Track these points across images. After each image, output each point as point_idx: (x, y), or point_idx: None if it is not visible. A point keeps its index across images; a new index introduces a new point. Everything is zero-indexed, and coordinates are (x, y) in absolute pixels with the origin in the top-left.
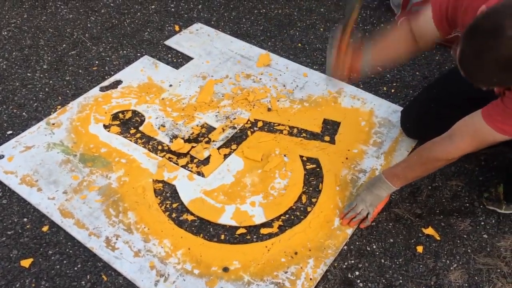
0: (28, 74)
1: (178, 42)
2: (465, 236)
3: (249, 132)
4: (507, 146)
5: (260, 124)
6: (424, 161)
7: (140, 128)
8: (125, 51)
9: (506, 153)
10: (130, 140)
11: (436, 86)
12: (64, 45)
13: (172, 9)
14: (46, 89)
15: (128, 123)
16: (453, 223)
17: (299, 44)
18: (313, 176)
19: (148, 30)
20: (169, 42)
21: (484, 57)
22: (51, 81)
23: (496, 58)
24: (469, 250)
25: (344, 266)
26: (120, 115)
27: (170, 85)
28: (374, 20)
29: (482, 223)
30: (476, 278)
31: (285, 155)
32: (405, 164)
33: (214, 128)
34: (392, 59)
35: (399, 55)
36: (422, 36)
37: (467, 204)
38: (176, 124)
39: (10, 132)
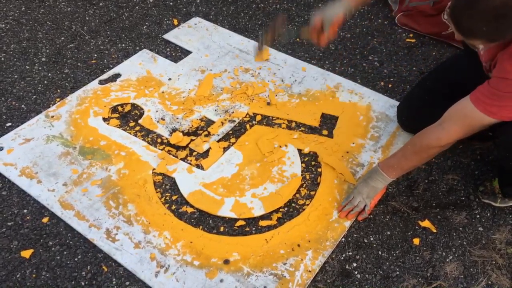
0: (27, 66)
1: (177, 36)
2: (461, 228)
3: (248, 126)
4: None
5: (258, 118)
6: (417, 150)
7: (140, 121)
8: (123, 45)
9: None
10: (130, 133)
11: (430, 79)
12: (62, 38)
13: (171, 3)
14: (45, 82)
15: (127, 116)
16: (449, 216)
17: (297, 39)
18: (311, 169)
19: (146, 23)
20: (168, 36)
21: (475, 5)
22: (49, 74)
23: (487, 6)
24: (464, 243)
25: (342, 258)
26: (119, 108)
27: (169, 79)
28: (371, 15)
29: (478, 216)
30: (472, 269)
31: (283, 147)
32: (400, 154)
33: (213, 122)
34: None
35: None
36: None
37: (463, 198)
38: (176, 117)
39: (9, 124)
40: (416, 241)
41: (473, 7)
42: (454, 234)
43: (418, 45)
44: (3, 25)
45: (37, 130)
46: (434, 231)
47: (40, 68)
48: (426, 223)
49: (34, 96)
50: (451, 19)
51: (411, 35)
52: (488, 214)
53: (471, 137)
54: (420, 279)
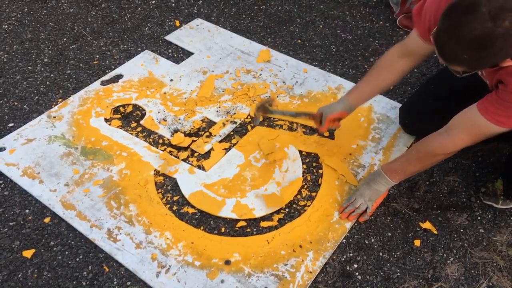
0: (29, 67)
1: (179, 37)
2: (462, 230)
3: (249, 127)
4: (505, 141)
5: (260, 119)
6: (422, 156)
7: (141, 122)
8: (125, 46)
9: (502, 149)
10: (131, 134)
11: (433, 82)
12: (64, 39)
13: (173, 4)
14: (47, 83)
15: (129, 117)
16: (450, 217)
17: (299, 41)
18: (313, 170)
19: (148, 25)
20: (170, 37)
21: (457, 32)
22: (52, 75)
23: (469, 34)
24: (465, 244)
25: (343, 259)
26: (121, 109)
27: (171, 80)
28: (373, 17)
29: (479, 217)
30: (473, 271)
31: (284, 149)
32: (404, 159)
33: (215, 123)
34: (381, 88)
35: (392, 81)
36: (416, 53)
37: (464, 199)
38: (177, 118)
39: (11, 124)
40: (417, 242)
41: (456, 34)
42: (455, 235)
43: None
44: (6, 26)
45: (39, 130)
46: (435, 232)
47: (42, 69)
48: (427, 225)
49: (36, 97)
50: (435, 43)
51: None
52: (489, 216)
53: None
54: (421, 280)
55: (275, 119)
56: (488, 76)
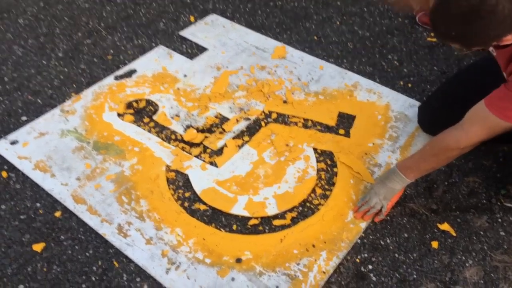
0: (44, 61)
1: (193, 32)
2: (481, 232)
3: (263, 124)
4: None
5: (274, 115)
6: (436, 151)
7: (154, 118)
8: (140, 41)
9: None
10: (144, 129)
11: (454, 82)
12: (79, 34)
13: (188, 0)
14: (61, 77)
15: (142, 112)
16: (470, 219)
17: (315, 37)
18: (327, 169)
19: (163, 20)
20: (184, 33)
21: (445, 9)
22: (66, 69)
23: (455, 9)
24: (485, 247)
25: (358, 260)
26: (134, 104)
27: (185, 76)
28: (391, 14)
29: (499, 220)
30: (492, 275)
31: (298, 146)
32: (418, 155)
33: (228, 119)
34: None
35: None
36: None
37: (484, 201)
38: (191, 114)
39: (24, 118)
40: (435, 244)
41: (444, 11)
42: (475, 238)
43: (439, 44)
44: (22, 21)
45: (52, 124)
46: (454, 234)
47: (56, 63)
48: (445, 226)
49: (50, 91)
50: (430, 22)
51: (432, 34)
52: (511, 218)
53: (496, 139)
54: (438, 283)
55: (289, 117)
56: (500, 59)
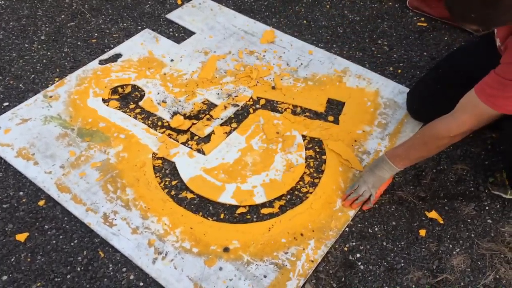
0: (26, 45)
1: (180, 16)
2: (469, 220)
3: (251, 110)
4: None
5: (262, 102)
6: (426, 139)
7: (140, 103)
8: (125, 24)
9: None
10: (129, 115)
11: (442, 66)
12: (62, 16)
13: None
14: (44, 61)
15: (128, 98)
16: (457, 207)
17: (305, 21)
18: (316, 156)
19: (149, 2)
20: (171, 16)
21: None
22: (49, 53)
23: None
24: (472, 235)
25: (346, 248)
26: (120, 90)
27: (171, 60)
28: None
29: (487, 208)
30: (479, 263)
31: (287, 133)
32: (408, 143)
33: (216, 105)
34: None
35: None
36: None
37: (472, 189)
38: (178, 100)
39: (6, 103)
40: (422, 232)
41: None
42: (462, 226)
43: (429, 29)
44: (2, 2)
45: (35, 110)
46: (441, 222)
47: (39, 46)
48: (433, 214)
49: (33, 75)
50: (444, 4)
51: (422, 19)
52: (498, 206)
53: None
54: (425, 271)
55: (278, 103)
56: (500, 32)
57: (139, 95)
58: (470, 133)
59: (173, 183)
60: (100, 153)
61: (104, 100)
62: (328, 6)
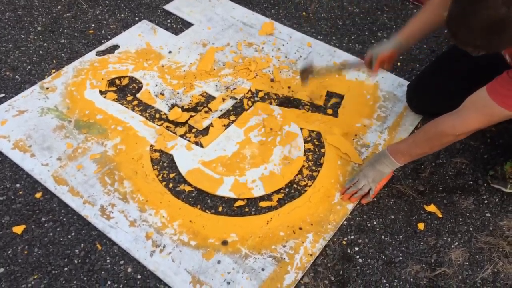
0: (22, 35)
1: (178, 7)
2: (467, 214)
3: (249, 103)
4: None
5: (261, 94)
6: (430, 137)
7: (138, 95)
8: (122, 15)
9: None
10: (127, 107)
11: (443, 60)
12: (59, 7)
13: None
14: (40, 52)
15: (125, 90)
16: (456, 201)
17: (304, 13)
18: (315, 149)
19: None
20: (169, 7)
21: (468, 19)
22: (45, 44)
23: (482, 21)
24: (471, 229)
25: (344, 242)
26: (117, 81)
27: (169, 52)
28: None
29: (486, 201)
30: (477, 256)
31: (285, 126)
32: (411, 140)
33: (214, 98)
34: (425, 33)
35: (432, 27)
36: None
37: (471, 182)
38: (176, 92)
39: (2, 95)
40: (421, 226)
41: (466, 20)
42: (461, 219)
43: None
44: None
45: (32, 102)
46: (440, 216)
47: (35, 37)
48: (431, 208)
49: (29, 67)
50: (447, 27)
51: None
52: (497, 200)
53: None
54: (423, 265)
55: (277, 95)
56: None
57: (136, 87)
58: (475, 131)
59: (171, 175)
60: (98, 145)
61: (101, 92)
62: None
